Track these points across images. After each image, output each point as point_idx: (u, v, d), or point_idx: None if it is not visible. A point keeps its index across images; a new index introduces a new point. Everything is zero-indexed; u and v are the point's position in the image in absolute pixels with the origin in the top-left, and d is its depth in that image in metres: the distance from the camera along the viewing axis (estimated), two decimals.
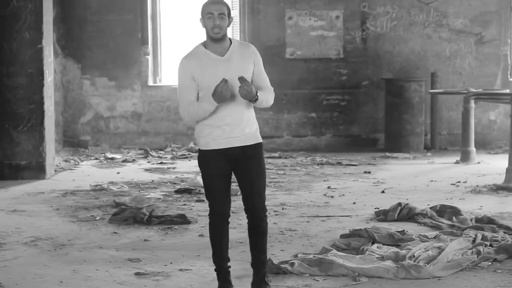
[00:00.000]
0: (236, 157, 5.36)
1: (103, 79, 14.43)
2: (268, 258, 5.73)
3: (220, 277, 5.53)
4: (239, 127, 5.35)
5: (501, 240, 6.81)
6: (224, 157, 5.34)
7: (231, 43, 5.38)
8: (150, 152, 13.58)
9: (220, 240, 5.49)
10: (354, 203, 9.10)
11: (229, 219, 5.53)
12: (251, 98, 5.26)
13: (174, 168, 12.14)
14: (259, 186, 5.43)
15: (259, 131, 5.51)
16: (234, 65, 5.31)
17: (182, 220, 7.98)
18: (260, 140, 5.46)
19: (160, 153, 13.70)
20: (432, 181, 10.66)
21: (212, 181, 5.41)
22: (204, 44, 5.37)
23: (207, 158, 5.39)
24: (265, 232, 5.52)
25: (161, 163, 12.73)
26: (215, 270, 5.55)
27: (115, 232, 7.60)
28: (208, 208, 5.51)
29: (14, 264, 6.46)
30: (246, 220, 5.58)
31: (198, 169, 11.72)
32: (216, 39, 5.30)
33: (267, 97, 5.39)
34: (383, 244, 6.75)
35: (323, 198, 9.45)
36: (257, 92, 5.27)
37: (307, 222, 8.06)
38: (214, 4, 5.29)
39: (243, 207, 5.51)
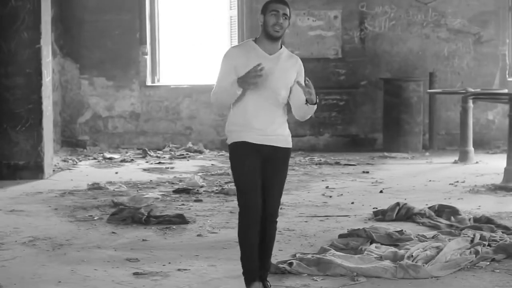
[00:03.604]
0: (267, 156, 5.31)
1: (101, 79, 14.43)
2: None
3: (247, 277, 5.37)
4: (270, 127, 5.33)
5: (500, 240, 6.81)
6: (256, 152, 5.28)
7: (281, 47, 5.40)
8: (149, 152, 13.57)
9: (250, 242, 5.31)
10: (352, 203, 9.11)
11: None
12: (313, 101, 5.29)
13: (172, 168, 12.13)
14: (279, 191, 5.40)
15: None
16: (279, 65, 5.32)
17: (181, 220, 7.97)
18: (291, 146, 5.48)
19: (159, 153, 13.70)
20: (430, 181, 10.67)
21: (244, 176, 5.26)
22: (255, 41, 5.37)
23: (239, 152, 5.29)
24: (272, 237, 5.48)
25: (160, 163, 12.72)
26: (244, 272, 5.38)
27: (113, 232, 7.60)
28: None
29: (12, 264, 6.46)
30: None
31: (196, 169, 11.85)
32: (274, 37, 5.30)
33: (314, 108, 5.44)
34: (382, 244, 6.75)
35: (322, 198, 9.45)
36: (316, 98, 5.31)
37: (306, 222, 8.06)
38: (281, 3, 5.33)
39: None
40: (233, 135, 5.33)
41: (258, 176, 5.28)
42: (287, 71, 5.36)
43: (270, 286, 5.53)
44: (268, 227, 5.43)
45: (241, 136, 5.29)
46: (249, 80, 5.14)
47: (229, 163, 5.41)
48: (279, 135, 5.37)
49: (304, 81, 5.23)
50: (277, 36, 5.30)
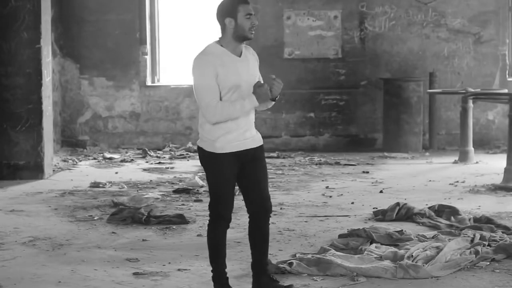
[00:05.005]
0: (247, 159, 5.31)
1: (101, 79, 14.43)
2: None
3: (220, 282, 5.42)
4: (249, 130, 5.34)
5: (500, 240, 6.81)
6: (236, 160, 5.27)
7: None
8: (149, 152, 13.58)
9: (223, 246, 5.40)
10: (352, 203, 9.10)
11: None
12: (277, 96, 5.29)
13: (172, 168, 12.14)
14: (267, 187, 5.42)
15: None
16: (250, 66, 5.33)
17: (181, 220, 7.97)
18: (262, 141, 5.49)
19: (159, 153, 13.70)
20: (430, 181, 10.66)
21: (224, 186, 5.28)
22: (220, 43, 5.29)
23: (220, 162, 5.25)
24: (268, 232, 5.50)
25: (160, 163, 12.72)
26: (214, 276, 5.43)
27: (113, 232, 7.60)
28: (207, 210, 5.44)
29: (12, 264, 6.46)
30: (243, 220, 5.54)
31: (196, 169, 11.85)
32: (249, 39, 5.27)
33: None
34: (382, 244, 6.75)
35: (322, 198, 9.45)
36: None
37: (306, 222, 8.06)
38: (248, 4, 5.27)
39: (247, 208, 5.43)
40: (216, 144, 5.24)
41: (233, 186, 5.32)
42: (254, 67, 5.37)
43: (276, 279, 5.54)
44: (264, 223, 5.45)
45: (223, 146, 5.24)
46: (268, 94, 5.21)
47: (206, 167, 5.33)
48: (254, 135, 5.40)
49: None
50: (252, 38, 5.30)
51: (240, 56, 5.31)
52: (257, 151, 5.39)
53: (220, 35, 5.32)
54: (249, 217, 5.47)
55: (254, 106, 5.24)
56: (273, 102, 5.40)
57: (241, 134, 5.29)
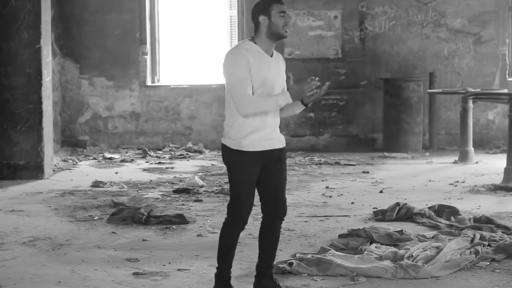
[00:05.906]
0: (270, 160, 5.30)
1: (101, 79, 14.43)
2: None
3: (223, 280, 5.42)
4: (275, 130, 5.34)
5: (499, 240, 6.81)
6: (261, 159, 5.26)
7: None
8: (149, 152, 13.58)
9: (234, 246, 5.40)
10: (352, 203, 9.11)
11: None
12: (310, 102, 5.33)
13: (172, 168, 12.14)
14: (284, 190, 5.42)
15: None
16: (280, 68, 5.37)
17: (181, 220, 7.97)
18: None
19: (159, 153, 13.70)
20: (430, 181, 10.67)
21: (246, 185, 5.27)
22: (253, 41, 5.30)
23: (245, 160, 5.24)
24: (279, 237, 5.50)
25: (160, 163, 12.73)
26: (218, 273, 5.41)
27: (113, 232, 7.60)
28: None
29: (12, 264, 6.46)
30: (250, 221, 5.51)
31: (196, 169, 11.85)
32: (283, 38, 5.31)
33: None
34: (381, 244, 6.75)
35: (322, 198, 9.45)
36: None
37: (306, 222, 8.06)
38: (283, 3, 5.29)
39: (262, 209, 5.41)
40: (242, 142, 5.24)
41: (254, 186, 5.31)
42: (283, 70, 5.41)
43: (278, 283, 5.54)
44: (278, 225, 5.45)
45: (250, 144, 5.24)
46: (311, 98, 5.26)
47: (230, 164, 5.35)
48: (279, 135, 5.41)
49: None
50: (287, 36, 5.33)
51: (271, 56, 5.32)
52: (281, 152, 5.38)
53: (253, 34, 5.34)
54: (262, 217, 5.45)
55: (287, 102, 5.22)
56: (303, 107, 5.39)
57: (268, 134, 5.28)
